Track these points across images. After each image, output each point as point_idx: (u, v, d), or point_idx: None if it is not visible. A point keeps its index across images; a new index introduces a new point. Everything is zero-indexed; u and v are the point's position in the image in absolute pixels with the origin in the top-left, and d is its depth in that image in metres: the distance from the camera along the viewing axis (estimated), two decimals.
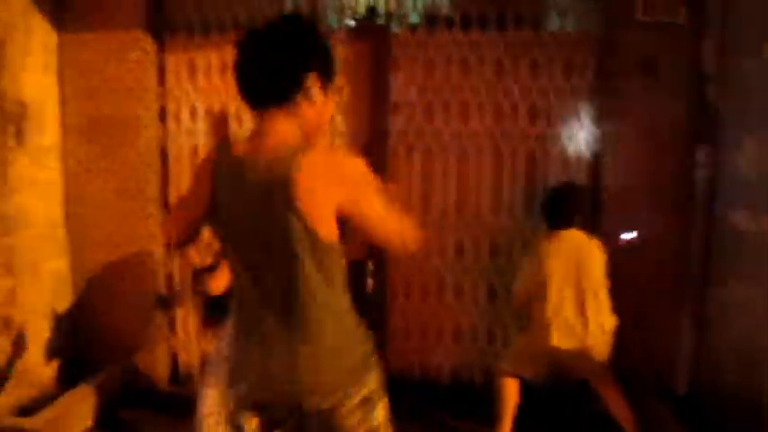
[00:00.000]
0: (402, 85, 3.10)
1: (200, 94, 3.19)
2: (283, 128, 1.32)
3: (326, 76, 1.35)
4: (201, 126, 3.20)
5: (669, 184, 2.88)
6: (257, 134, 1.34)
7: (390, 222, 1.37)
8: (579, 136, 3.02)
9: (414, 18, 3.17)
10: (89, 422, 2.88)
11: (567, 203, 2.61)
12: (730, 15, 2.69)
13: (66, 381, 3.05)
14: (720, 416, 2.64)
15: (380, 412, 1.45)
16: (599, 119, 2.97)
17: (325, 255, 1.31)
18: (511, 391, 2.62)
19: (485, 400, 3.06)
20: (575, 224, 2.57)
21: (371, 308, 3.19)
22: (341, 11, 3.14)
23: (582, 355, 2.50)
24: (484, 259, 3.15)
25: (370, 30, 3.13)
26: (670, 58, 2.84)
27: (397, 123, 3.12)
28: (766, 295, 2.40)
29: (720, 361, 2.71)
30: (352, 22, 3.16)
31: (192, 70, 3.19)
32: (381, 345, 3.20)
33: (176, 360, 3.36)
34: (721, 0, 2.69)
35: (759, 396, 2.40)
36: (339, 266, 1.37)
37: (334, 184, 1.28)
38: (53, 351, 3.13)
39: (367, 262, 3.20)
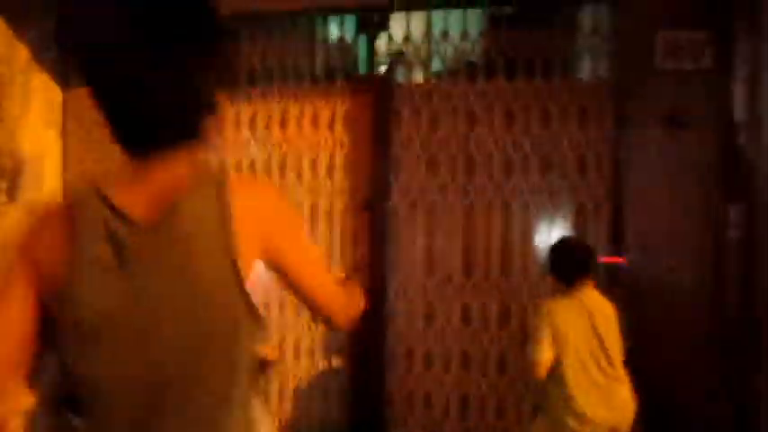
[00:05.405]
0: (405, 139, 2.94)
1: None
2: (175, 167, 0.83)
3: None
4: None
5: (697, 244, 2.56)
6: (131, 182, 0.82)
7: (329, 279, 0.98)
8: (597, 189, 2.76)
9: (436, 66, 3.05)
10: None
11: (581, 259, 2.25)
12: (762, 57, 2.43)
13: None
14: None
15: None
16: (618, 171, 2.71)
17: (253, 337, 0.86)
18: None
19: None
20: (589, 282, 2.22)
21: (367, 377, 2.95)
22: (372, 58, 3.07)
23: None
24: (493, 326, 2.87)
25: (372, 80, 3.02)
26: (696, 105, 2.58)
27: (399, 179, 2.94)
28: None
29: None
30: (383, 69, 3.06)
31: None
32: (380, 416, 2.95)
33: None
34: (749, 42, 2.43)
35: None
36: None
37: (263, 224, 0.85)
38: None
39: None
